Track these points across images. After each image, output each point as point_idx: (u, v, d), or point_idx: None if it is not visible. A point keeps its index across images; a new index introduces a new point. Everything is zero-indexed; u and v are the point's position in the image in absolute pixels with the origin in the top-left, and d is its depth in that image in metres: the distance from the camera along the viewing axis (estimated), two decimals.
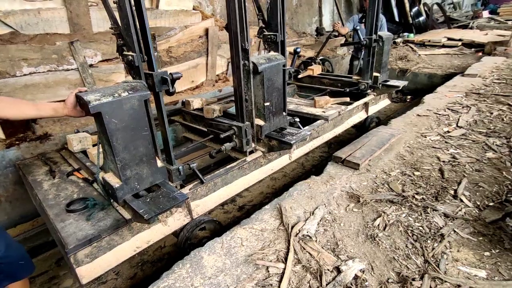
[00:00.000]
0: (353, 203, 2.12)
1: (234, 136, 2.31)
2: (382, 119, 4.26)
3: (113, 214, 1.81)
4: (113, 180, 1.68)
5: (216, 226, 2.28)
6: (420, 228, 1.86)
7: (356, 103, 3.48)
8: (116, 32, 1.70)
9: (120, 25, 1.66)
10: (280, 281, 1.56)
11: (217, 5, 6.26)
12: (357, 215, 2.02)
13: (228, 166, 2.27)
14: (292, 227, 1.89)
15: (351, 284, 1.53)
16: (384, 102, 4.16)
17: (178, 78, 1.69)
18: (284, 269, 1.62)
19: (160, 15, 4.71)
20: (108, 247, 1.70)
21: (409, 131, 3.14)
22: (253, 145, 2.39)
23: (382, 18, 4.49)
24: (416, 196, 2.14)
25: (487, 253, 1.67)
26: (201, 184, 2.05)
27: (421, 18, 9.35)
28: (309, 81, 4.34)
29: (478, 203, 2.05)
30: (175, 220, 1.97)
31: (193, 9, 5.05)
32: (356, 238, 1.83)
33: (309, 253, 1.72)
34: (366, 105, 3.71)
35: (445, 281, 1.51)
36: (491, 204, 2.04)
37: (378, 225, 1.91)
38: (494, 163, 2.49)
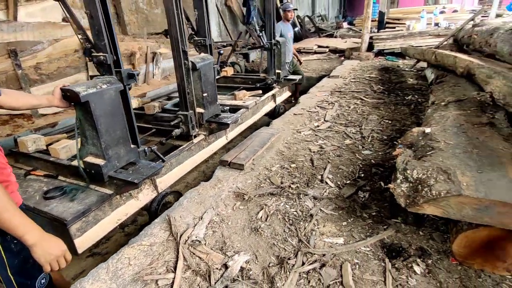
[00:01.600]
0: (239, 201, 2.29)
1: (181, 123, 2.78)
2: (287, 108, 4.90)
3: (94, 193, 2.06)
4: (97, 160, 1.95)
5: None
6: (295, 212, 2.14)
7: (266, 95, 4.35)
8: (84, 37, 1.99)
9: (91, 31, 1.96)
10: None
11: None
12: (243, 211, 2.19)
13: (180, 148, 2.75)
14: (181, 235, 1.93)
15: (238, 276, 1.65)
16: (286, 94, 5.20)
17: (138, 75, 2.17)
18: (174, 278, 1.64)
19: (20, 27, 4.16)
20: (94, 221, 2.00)
21: (287, 129, 3.54)
22: (196, 130, 2.89)
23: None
24: (292, 186, 2.44)
25: (344, 223, 2.03)
26: (162, 163, 2.46)
27: (296, 29, 10.58)
28: (224, 81, 4.97)
29: (339, 183, 2.47)
30: (145, 195, 2.37)
31: (63, 21, 4.58)
32: (242, 233, 1.98)
33: (199, 256, 1.79)
34: (274, 96, 4.67)
35: (314, 254, 1.77)
36: (348, 182, 2.48)
37: (261, 217, 2.11)
38: (350, 148, 3.03)
